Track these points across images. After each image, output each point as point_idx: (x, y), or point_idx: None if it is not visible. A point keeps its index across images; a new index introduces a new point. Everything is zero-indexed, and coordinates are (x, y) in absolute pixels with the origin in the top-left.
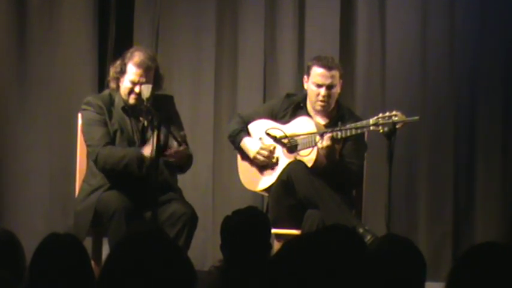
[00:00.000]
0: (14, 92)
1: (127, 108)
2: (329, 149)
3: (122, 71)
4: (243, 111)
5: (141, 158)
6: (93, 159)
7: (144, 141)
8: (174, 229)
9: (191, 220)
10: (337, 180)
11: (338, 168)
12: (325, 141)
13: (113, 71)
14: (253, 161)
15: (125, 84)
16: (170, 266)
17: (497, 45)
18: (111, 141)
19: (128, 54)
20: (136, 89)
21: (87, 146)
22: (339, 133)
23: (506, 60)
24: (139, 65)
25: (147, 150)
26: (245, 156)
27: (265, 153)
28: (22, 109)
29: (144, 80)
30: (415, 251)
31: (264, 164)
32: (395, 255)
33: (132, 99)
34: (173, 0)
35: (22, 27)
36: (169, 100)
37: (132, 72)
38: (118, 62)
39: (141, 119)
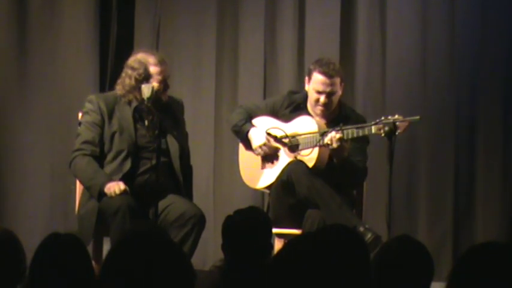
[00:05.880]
0: (14, 92)
1: (142, 108)
2: (339, 148)
3: (147, 77)
4: (245, 104)
5: (102, 191)
6: (69, 161)
7: (152, 141)
8: (182, 230)
9: (200, 222)
10: (345, 178)
11: (346, 167)
12: (335, 143)
13: (132, 82)
14: (254, 157)
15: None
16: (169, 266)
17: (498, 47)
18: (100, 148)
19: (138, 61)
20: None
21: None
22: (341, 133)
23: (506, 61)
24: (160, 63)
25: (110, 188)
26: (247, 150)
27: (268, 150)
28: (22, 109)
29: (168, 74)
30: (425, 254)
31: (263, 158)
32: (406, 256)
33: (165, 97)
34: None
35: (23, 27)
36: (179, 105)
37: (157, 72)
38: (135, 72)
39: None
